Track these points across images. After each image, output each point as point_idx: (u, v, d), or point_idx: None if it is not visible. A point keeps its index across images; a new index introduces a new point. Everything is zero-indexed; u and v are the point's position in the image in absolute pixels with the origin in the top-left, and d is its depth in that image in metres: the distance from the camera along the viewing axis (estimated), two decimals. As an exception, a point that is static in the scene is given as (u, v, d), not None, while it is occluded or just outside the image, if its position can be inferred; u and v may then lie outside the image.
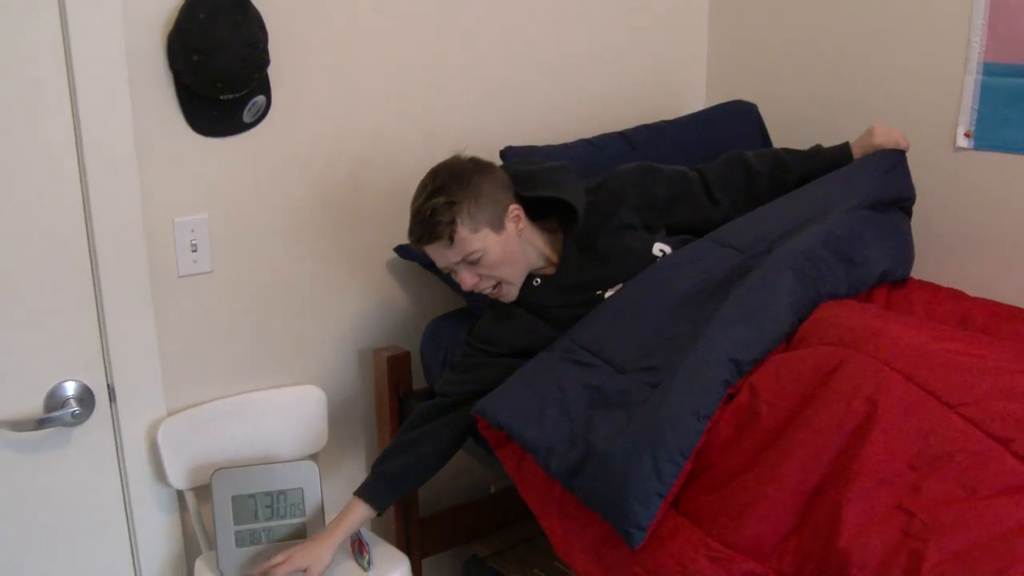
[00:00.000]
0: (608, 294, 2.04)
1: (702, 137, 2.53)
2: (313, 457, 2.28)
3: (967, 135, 2.25)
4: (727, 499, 1.61)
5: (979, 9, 2.15)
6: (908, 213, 2.18)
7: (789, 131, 2.57)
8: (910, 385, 1.55)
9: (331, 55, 2.22)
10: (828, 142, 2.26)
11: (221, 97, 2.04)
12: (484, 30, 2.44)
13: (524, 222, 2.05)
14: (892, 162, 2.16)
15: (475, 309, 2.24)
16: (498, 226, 1.99)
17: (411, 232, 2.01)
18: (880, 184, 2.10)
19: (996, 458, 1.45)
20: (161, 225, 2.08)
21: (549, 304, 2.06)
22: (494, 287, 2.04)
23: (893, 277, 2.04)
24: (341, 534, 2.02)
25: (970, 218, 2.29)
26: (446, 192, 1.95)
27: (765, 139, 2.55)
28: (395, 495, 2.09)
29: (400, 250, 2.32)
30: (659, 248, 2.07)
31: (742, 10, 2.76)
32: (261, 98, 2.11)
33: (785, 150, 2.26)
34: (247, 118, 2.11)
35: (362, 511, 2.04)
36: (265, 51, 2.05)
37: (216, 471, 2.10)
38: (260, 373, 2.29)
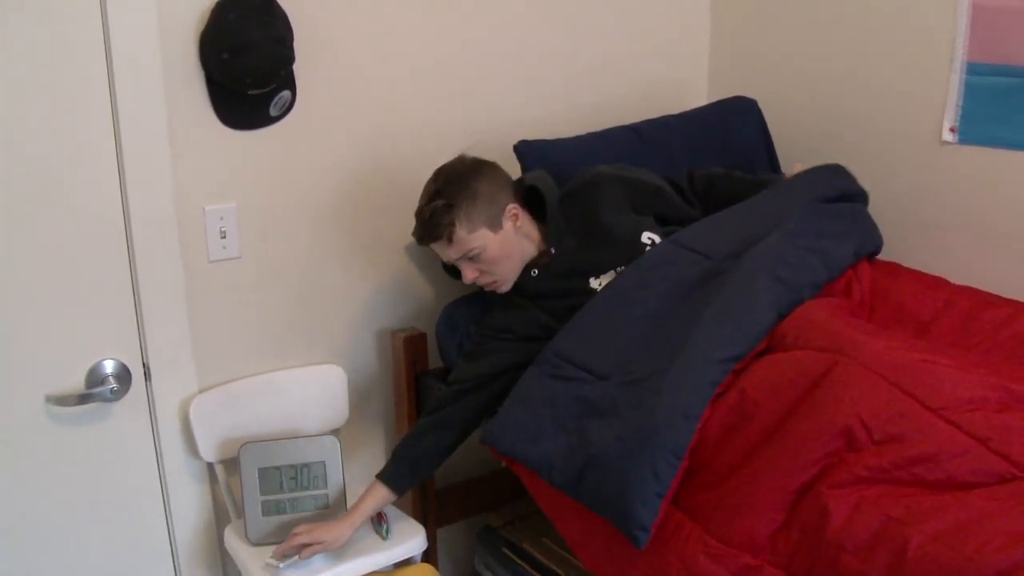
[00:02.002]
0: (600, 282, 2.09)
1: (706, 131, 2.57)
2: (335, 432, 2.33)
3: (952, 130, 2.28)
4: (722, 498, 1.66)
5: (962, 13, 2.19)
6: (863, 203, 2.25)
7: (787, 126, 2.61)
8: (894, 390, 1.59)
9: (353, 53, 2.26)
10: (823, 137, 2.34)
11: (249, 92, 2.09)
12: (501, 32, 2.49)
13: (523, 218, 2.14)
14: (830, 171, 2.23)
15: (488, 293, 2.28)
16: (495, 225, 2.08)
17: (415, 232, 2.11)
18: (823, 185, 2.18)
19: (976, 455, 1.50)
20: (192, 213, 2.13)
21: (547, 293, 2.13)
22: (489, 283, 2.13)
23: (866, 252, 2.11)
24: (361, 516, 2.09)
25: (955, 208, 2.32)
26: (444, 195, 2.04)
27: (765, 134, 2.58)
28: (414, 478, 2.15)
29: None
30: (648, 236, 2.13)
31: (742, 16, 2.79)
32: (287, 93, 2.16)
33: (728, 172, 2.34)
34: (273, 112, 2.17)
35: (383, 493, 2.10)
36: (291, 48, 2.10)
37: (244, 445, 2.17)
38: (285, 353, 2.34)
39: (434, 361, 2.44)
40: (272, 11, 2.07)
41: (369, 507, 2.11)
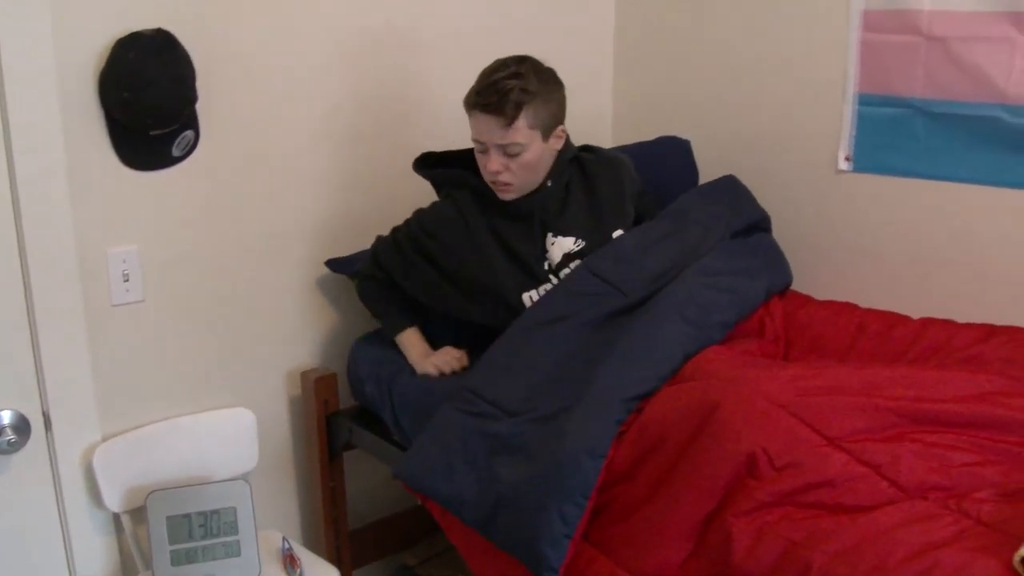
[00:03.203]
0: (555, 242, 2.11)
1: (642, 166, 2.58)
2: (245, 476, 2.27)
3: (847, 159, 2.36)
4: (631, 531, 1.69)
5: (853, 46, 2.28)
6: (767, 231, 2.32)
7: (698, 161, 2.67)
8: (792, 419, 1.63)
9: (256, 91, 2.25)
10: (727, 170, 2.41)
11: (151, 132, 2.06)
12: (410, 73, 2.50)
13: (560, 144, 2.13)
14: (728, 187, 2.31)
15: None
16: (546, 136, 2.07)
17: (476, 94, 2.03)
18: (732, 215, 2.24)
19: (869, 481, 1.56)
20: (94, 256, 2.08)
21: (516, 215, 2.12)
22: (505, 183, 2.08)
23: (777, 288, 2.17)
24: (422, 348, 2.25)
25: (851, 234, 2.40)
26: (527, 80, 2.00)
27: (694, 170, 2.64)
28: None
29: (331, 264, 2.38)
30: (617, 234, 2.16)
31: (643, 56, 2.85)
32: (190, 133, 2.14)
33: None
34: (176, 152, 2.14)
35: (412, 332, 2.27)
36: (193, 88, 2.08)
37: (151, 493, 2.11)
38: (192, 397, 2.30)
39: (345, 400, 2.42)
40: (173, 50, 2.05)
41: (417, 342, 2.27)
